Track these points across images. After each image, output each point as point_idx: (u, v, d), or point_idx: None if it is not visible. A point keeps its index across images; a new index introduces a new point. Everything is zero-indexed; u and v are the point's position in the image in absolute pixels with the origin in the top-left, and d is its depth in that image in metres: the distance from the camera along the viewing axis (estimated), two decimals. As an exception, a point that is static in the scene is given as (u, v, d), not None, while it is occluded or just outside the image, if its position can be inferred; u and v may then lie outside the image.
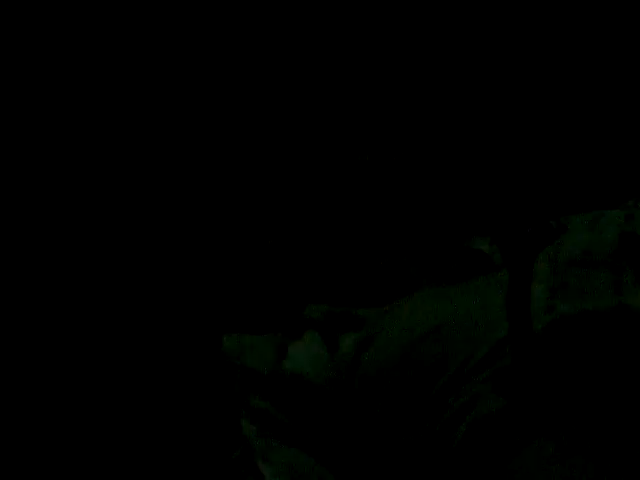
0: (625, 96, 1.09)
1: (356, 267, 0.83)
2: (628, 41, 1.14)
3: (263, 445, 0.65)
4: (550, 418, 0.52)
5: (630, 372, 0.52)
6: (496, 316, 0.60)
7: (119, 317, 1.04)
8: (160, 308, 1.00)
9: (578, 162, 1.01)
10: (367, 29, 1.18)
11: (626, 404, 0.51)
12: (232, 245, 0.98)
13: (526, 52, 1.16)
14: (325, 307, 0.73)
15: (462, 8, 1.17)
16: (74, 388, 1.06)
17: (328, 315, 0.72)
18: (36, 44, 1.33)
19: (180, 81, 1.29)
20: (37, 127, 1.29)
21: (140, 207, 1.18)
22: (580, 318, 0.54)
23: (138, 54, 1.29)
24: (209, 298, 0.91)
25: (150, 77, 1.29)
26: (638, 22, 1.19)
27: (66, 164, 1.28)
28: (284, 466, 0.63)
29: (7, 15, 1.34)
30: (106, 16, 1.32)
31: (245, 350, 0.72)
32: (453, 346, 0.59)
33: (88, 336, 1.10)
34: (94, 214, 1.21)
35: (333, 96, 1.15)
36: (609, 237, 0.60)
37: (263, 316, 0.82)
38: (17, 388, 1.03)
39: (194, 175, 1.16)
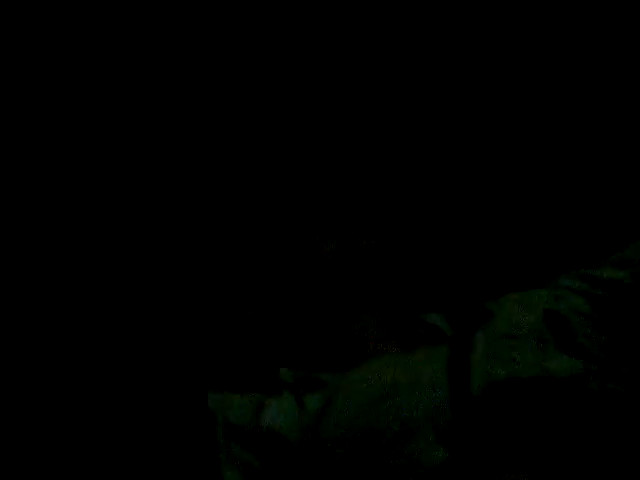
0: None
1: (322, 334, 0.95)
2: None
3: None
4: (486, 467, 0.62)
5: (556, 427, 0.63)
6: (439, 380, 0.71)
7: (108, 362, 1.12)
8: (148, 360, 1.09)
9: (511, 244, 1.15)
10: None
11: (554, 456, 0.62)
12: (216, 315, 1.08)
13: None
14: (293, 372, 0.84)
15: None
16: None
17: (296, 378, 0.82)
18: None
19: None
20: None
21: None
22: (511, 382, 0.65)
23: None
24: (196, 357, 1.01)
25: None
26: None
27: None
28: None
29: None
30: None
31: (227, 406, 0.82)
32: (401, 406, 0.70)
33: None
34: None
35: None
36: (535, 314, 0.73)
37: (243, 376, 0.92)
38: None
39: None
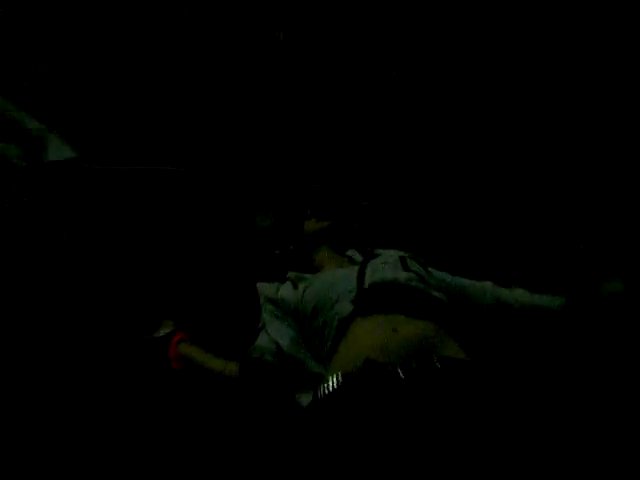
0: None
1: (301, 259, 1.93)
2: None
3: (269, 320, 1.73)
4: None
5: (402, 302, 1.61)
6: (353, 279, 1.68)
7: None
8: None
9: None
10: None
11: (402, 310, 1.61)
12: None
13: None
14: (294, 273, 1.82)
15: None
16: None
17: (294, 275, 1.80)
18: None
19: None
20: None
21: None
22: (382, 281, 1.62)
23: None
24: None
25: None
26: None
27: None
28: (275, 328, 1.69)
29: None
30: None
31: (264, 289, 1.82)
32: (337, 288, 1.62)
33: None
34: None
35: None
36: (395, 257, 1.73)
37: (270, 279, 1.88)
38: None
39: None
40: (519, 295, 1.70)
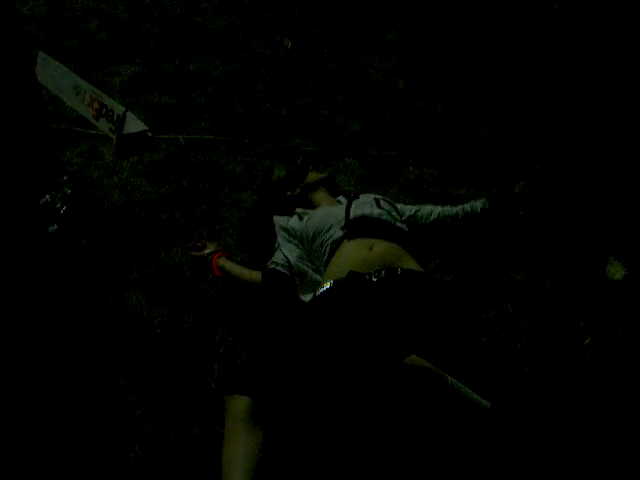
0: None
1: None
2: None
3: (283, 242, 2.41)
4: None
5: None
6: (343, 212, 2.35)
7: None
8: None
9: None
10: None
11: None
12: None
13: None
14: (300, 209, 2.50)
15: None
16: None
17: (301, 211, 2.48)
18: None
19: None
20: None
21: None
22: (364, 215, 2.29)
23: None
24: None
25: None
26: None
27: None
28: (287, 247, 2.37)
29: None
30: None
31: (279, 219, 2.50)
32: (330, 218, 2.30)
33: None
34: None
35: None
36: (369, 198, 2.45)
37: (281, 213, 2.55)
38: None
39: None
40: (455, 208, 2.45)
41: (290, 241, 2.31)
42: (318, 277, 2.14)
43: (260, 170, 3.00)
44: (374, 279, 1.85)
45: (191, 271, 2.38)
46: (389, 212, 2.28)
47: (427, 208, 2.45)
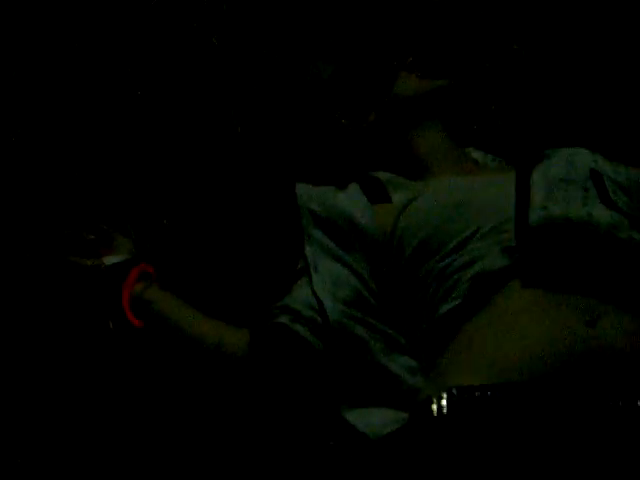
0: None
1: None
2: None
3: (315, 260, 0.92)
4: (537, 280, 0.79)
5: (591, 265, 0.80)
6: (501, 205, 0.86)
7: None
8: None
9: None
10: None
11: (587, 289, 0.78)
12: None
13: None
14: (389, 174, 1.00)
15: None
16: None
17: (390, 179, 0.98)
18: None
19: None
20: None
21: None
22: (564, 220, 0.81)
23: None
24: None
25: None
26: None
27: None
28: (327, 273, 0.91)
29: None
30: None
31: (309, 197, 0.98)
32: (471, 217, 0.85)
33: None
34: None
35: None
36: (583, 169, 0.89)
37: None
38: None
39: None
40: None
41: (338, 256, 0.94)
42: (408, 362, 0.88)
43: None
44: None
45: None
46: (633, 217, 0.86)
47: None
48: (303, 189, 1.00)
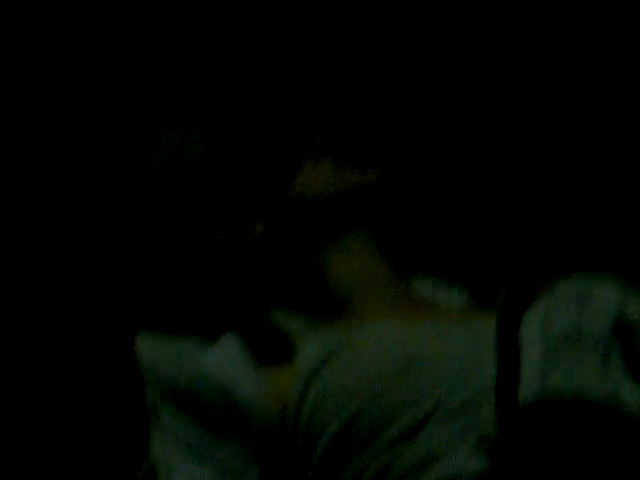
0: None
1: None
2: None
3: (166, 459, 0.59)
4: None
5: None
6: (471, 368, 0.55)
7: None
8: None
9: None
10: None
11: None
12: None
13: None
14: (291, 313, 0.67)
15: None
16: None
17: (293, 322, 0.66)
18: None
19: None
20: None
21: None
22: (572, 396, 0.50)
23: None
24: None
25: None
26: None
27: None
28: None
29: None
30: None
31: (161, 359, 0.63)
32: (425, 384, 0.57)
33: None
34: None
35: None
36: (604, 319, 0.58)
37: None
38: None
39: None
40: None
41: (203, 453, 0.58)
42: None
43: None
44: None
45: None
46: None
47: None
48: (148, 346, 0.65)
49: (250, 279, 0.70)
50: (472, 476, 0.52)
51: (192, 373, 0.61)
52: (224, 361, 0.62)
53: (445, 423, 0.55)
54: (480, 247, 0.81)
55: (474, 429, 0.54)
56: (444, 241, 0.81)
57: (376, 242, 0.72)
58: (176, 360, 0.63)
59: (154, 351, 0.63)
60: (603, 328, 0.56)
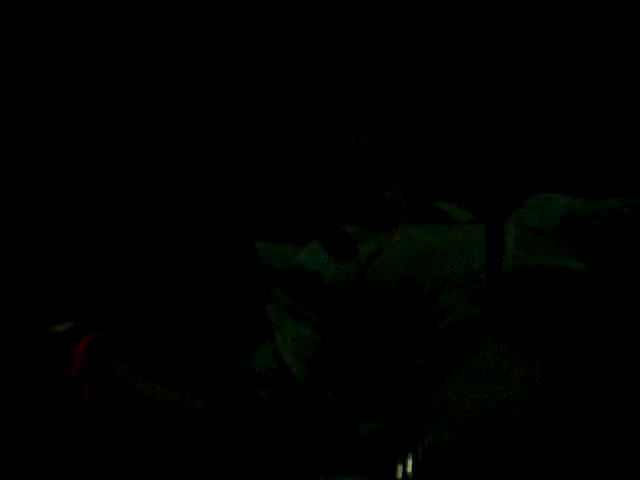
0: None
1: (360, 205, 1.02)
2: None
3: (278, 319, 0.87)
4: (510, 331, 0.76)
5: (567, 310, 0.77)
6: (472, 253, 0.84)
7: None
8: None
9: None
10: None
11: (568, 329, 0.75)
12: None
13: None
14: (354, 227, 0.96)
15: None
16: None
17: (355, 232, 0.94)
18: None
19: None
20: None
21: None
22: (536, 268, 0.79)
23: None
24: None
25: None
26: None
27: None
28: (290, 333, 0.86)
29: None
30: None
31: (271, 254, 0.94)
32: (440, 265, 0.83)
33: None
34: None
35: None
36: (555, 218, 0.86)
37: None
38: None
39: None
40: None
41: (301, 314, 0.88)
42: (376, 425, 0.81)
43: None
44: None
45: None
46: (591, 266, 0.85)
47: None
48: (262, 246, 0.96)
49: (331, 204, 1.02)
50: (469, 321, 0.77)
51: (292, 264, 0.90)
52: (313, 256, 0.90)
53: (454, 289, 0.80)
54: (476, 181, 1.11)
55: (471, 293, 0.79)
56: (453, 177, 1.13)
57: (410, 179, 1.02)
58: (282, 255, 0.93)
59: (267, 250, 0.94)
60: (555, 224, 0.85)
